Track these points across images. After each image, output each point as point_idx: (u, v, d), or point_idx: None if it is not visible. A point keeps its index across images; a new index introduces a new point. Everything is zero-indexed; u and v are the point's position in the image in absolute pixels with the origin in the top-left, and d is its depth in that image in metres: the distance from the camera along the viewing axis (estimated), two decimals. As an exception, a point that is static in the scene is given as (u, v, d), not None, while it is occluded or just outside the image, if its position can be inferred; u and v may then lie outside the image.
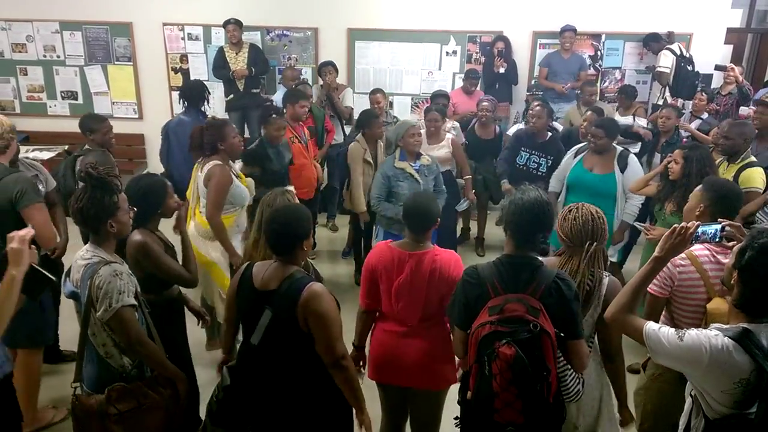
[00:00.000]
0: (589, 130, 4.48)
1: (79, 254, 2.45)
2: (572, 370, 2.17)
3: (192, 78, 7.25)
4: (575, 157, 4.55)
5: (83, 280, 2.35)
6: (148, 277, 2.78)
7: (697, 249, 2.46)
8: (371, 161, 4.99)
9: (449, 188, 4.85)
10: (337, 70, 6.41)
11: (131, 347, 2.37)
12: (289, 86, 5.65)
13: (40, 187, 3.37)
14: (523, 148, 5.10)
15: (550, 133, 5.16)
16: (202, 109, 5.38)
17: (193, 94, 5.33)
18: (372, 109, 5.57)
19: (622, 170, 4.30)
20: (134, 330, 2.35)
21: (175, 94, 7.30)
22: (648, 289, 2.38)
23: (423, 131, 4.97)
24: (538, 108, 5.06)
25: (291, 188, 3.95)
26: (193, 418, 2.96)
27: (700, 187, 2.83)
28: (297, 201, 2.89)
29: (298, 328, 2.25)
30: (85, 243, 3.15)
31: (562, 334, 2.11)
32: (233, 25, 6.69)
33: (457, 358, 2.46)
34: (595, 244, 2.33)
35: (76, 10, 7.23)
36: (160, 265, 2.80)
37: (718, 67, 6.58)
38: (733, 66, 6.36)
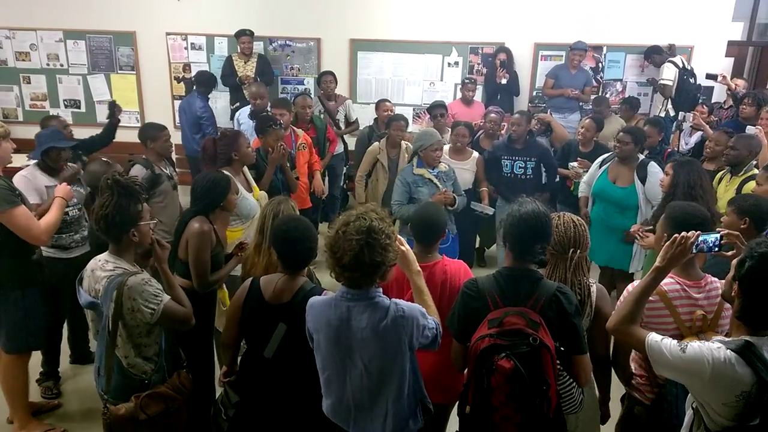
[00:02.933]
0: (617, 136, 4.52)
1: (97, 264, 2.43)
2: (580, 387, 2.16)
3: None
4: (600, 167, 4.58)
5: (107, 291, 2.34)
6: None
7: (667, 283, 2.30)
8: (385, 165, 5.08)
9: (468, 214, 4.96)
10: (336, 80, 6.43)
11: (187, 324, 2.50)
12: (303, 114, 5.55)
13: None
14: (504, 157, 5.11)
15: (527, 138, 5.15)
16: (209, 97, 6.33)
17: (206, 80, 6.21)
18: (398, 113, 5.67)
19: (642, 180, 4.31)
20: (180, 314, 2.46)
21: (177, 103, 7.41)
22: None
23: (447, 146, 5.06)
24: (517, 116, 5.10)
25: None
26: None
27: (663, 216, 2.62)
28: (297, 210, 2.88)
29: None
30: (94, 251, 3.19)
31: (562, 348, 2.10)
32: (247, 37, 6.75)
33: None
34: (578, 251, 2.34)
35: (80, 19, 7.27)
36: (198, 257, 2.94)
37: (708, 76, 6.58)
38: (724, 74, 6.37)
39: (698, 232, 2.11)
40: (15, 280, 3.17)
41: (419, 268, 2.34)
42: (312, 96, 6.35)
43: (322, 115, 6.28)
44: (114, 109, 5.07)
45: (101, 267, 2.40)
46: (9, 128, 3.38)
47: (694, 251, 2.12)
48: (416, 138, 4.53)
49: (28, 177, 3.46)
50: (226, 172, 3.59)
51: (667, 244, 2.09)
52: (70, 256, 3.60)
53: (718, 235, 2.18)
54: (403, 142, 5.22)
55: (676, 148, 6.05)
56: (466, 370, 2.30)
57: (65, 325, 3.94)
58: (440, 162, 4.43)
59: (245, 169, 3.91)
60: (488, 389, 1.97)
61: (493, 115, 5.59)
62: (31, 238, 3.08)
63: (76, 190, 3.58)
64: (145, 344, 2.44)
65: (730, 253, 2.39)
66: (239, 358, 2.55)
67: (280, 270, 2.43)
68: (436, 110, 5.68)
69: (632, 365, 2.49)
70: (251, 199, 3.75)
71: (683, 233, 2.08)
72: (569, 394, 2.15)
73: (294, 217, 2.63)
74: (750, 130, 5.23)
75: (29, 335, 3.29)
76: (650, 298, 2.27)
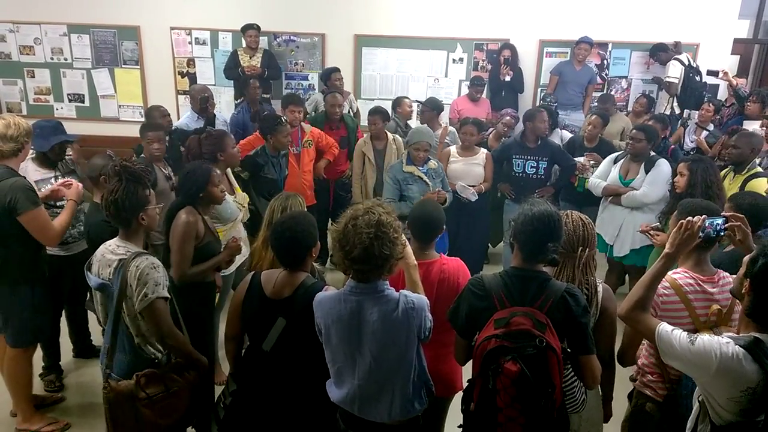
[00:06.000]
0: (630, 133, 4.56)
1: (107, 248, 2.50)
2: (579, 383, 2.15)
3: (199, 81, 7.29)
4: (615, 163, 4.66)
5: (117, 271, 2.40)
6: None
7: (682, 277, 2.33)
8: (371, 158, 5.12)
9: (482, 216, 4.98)
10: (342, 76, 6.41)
11: (162, 338, 2.46)
12: (333, 112, 5.48)
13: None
14: (515, 156, 5.06)
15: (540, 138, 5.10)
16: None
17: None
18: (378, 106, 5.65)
19: (647, 172, 4.39)
20: (166, 322, 2.44)
21: (182, 98, 7.41)
22: None
23: (453, 148, 5.05)
24: (508, 119, 5.09)
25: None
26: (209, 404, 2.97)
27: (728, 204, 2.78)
28: (305, 207, 2.88)
29: (315, 332, 2.26)
30: (90, 245, 3.20)
31: (569, 350, 2.09)
32: (254, 31, 6.74)
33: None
34: (587, 250, 2.33)
35: (84, 13, 7.28)
36: (181, 247, 2.92)
37: (710, 73, 6.54)
38: (726, 71, 6.35)
39: (704, 216, 2.14)
40: (25, 275, 3.18)
41: (415, 262, 2.39)
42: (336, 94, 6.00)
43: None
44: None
45: (112, 251, 2.47)
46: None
47: (701, 235, 2.13)
48: (408, 134, 4.55)
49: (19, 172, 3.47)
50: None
51: (674, 230, 2.10)
52: (69, 254, 3.61)
53: (723, 219, 2.21)
54: (389, 134, 5.26)
55: (680, 144, 6.04)
56: (468, 364, 2.30)
57: (65, 320, 3.96)
58: (428, 161, 4.41)
59: (228, 171, 3.88)
60: (494, 390, 1.97)
61: (508, 118, 5.58)
62: (45, 239, 3.13)
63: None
64: (145, 331, 2.47)
65: (737, 237, 2.40)
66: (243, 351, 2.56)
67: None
68: (423, 107, 5.69)
69: (640, 361, 2.49)
70: (231, 202, 3.70)
71: (689, 218, 2.10)
72: (571, 393, 2.15)
73: (294, 213, 2.63)
74: (749, 126, 5.22)
75: (36, 330, 3.32)
76: (665, 292, 2.31)
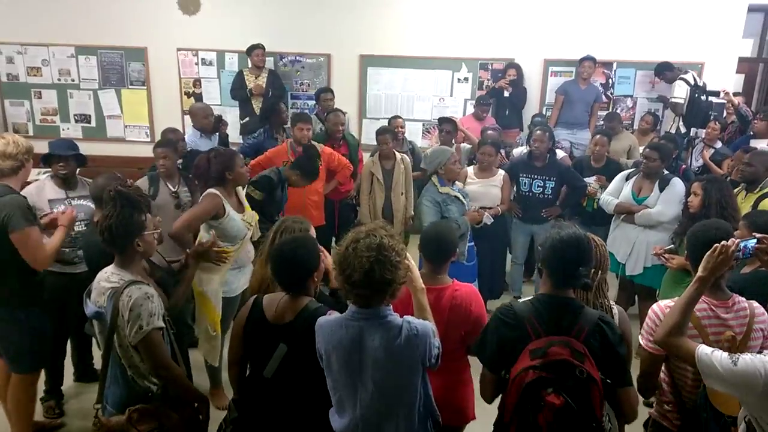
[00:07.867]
0: (644, 152, 4.54)
1: (102, 276, 2.42)
2: (607, 414, 2.07)
3: (205, 101, 7.29)
4: (627, 180, 4.64)
5: (109, 300, 2.32)
6: None
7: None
8: (380, 178, 5.09)
9: (501, 239, 4.99)
10: (334, 96, 6.37)
11: (156, 371, 2.36)
12: (335, 131, 5.46)
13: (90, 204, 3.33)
14: (521, 175, 5.01)
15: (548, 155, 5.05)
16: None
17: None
18: (388, 126, 5.67)
19: (662, 191, 4.38)
20: (161, 354, 2.35)
21: (188, 118, 7.40)
22: (643, 345, 2.28)
23: (470, 169, 5.02)
24: (539, 132, 4.98)
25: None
26: None
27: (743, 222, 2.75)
28: (312, 230, 2.78)
29: (317, 359, 2.21)
30: (90, 268, 3.13)
31: (608, 381, 2.00)
32: (260, 50, 6.79)
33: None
34: (600, 273, 2.27)
35: (92, 35, 7.35)
36: None
37: (710, 93, 6.52)
38: (727, 91, 6.34)
39: (738, 240, 2.08)
40: (18, 300, 3.11)
41: (423, 286, 2.30)
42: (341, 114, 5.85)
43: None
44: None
45: (107, 279, 2.39)
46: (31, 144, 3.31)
47: (737, 258, 2.10)
48: (431, 158, 4.48)
49: (33, 192, 3.44)
50: (217, 191, 3.51)
51: (708, 253, 2.05)
52: (75, 272, 3.54)
53: (754, 240, 2.18)
54: (397, 153, 5.24)
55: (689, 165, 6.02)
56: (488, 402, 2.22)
57: (68, 342, 3.88)
58: (459, 176, 4.44)
59: (238, 189, 3.77)
60: (535, 427, 1.85)
61: (489, 132, 5.61)
62: (34, 261, 3.03)
63: (84, 205, 3.55)
64: (138, 363, 2.38)
65: (766, 257, 2.36)
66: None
67: None
68: (444, 125, 5.66)
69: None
70: (238, 220, 3.58)
71: (723, 242, 2.05)
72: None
73: (295, 236, 2.54)
74: (757, 144, 5.19)
75: (34, 356, 3.23)
76: None
